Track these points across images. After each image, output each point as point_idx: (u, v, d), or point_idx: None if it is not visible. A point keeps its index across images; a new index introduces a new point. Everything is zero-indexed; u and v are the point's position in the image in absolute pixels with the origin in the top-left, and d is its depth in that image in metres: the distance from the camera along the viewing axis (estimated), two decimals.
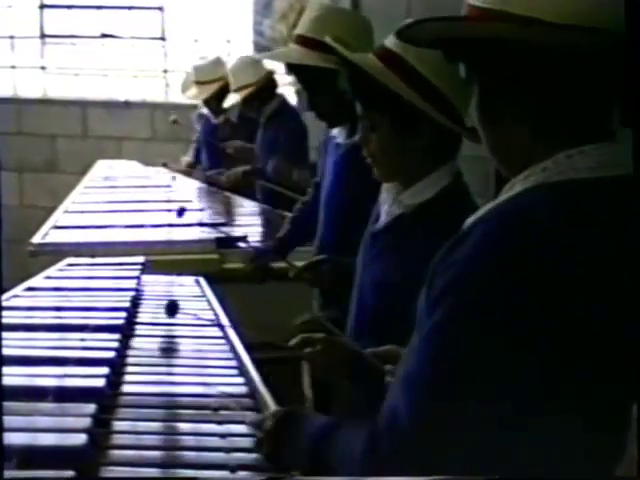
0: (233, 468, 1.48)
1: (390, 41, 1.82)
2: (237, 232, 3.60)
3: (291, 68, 2.72)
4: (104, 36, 7.06)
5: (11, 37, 7.17)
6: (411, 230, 1.77)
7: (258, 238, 3.62)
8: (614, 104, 1.21)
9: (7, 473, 1.39)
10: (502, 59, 1.19)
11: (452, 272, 1.16)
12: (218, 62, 5.04)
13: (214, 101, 4.94)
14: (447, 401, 1.13)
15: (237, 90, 4.52)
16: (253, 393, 1.86)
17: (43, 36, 7.18)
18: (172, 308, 2.26)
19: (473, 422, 1.13)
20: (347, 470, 1.26)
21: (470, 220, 1.24)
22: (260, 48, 6.12)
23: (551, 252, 1.12)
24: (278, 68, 4.39)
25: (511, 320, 1.11)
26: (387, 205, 1.89)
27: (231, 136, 4.82)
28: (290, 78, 3.91)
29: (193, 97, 5.08)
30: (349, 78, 1.88)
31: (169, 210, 3.94)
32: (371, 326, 1.86)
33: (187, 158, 5.44)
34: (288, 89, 4.70)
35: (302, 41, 2.59)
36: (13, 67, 7.23)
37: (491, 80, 1.22)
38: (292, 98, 5.05)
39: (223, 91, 4.85)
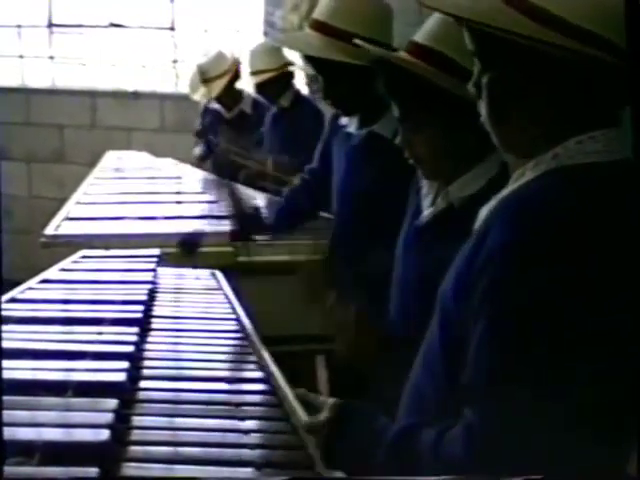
0: (259, 465, 1.46)
1: (420, 36, 1.78)
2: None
3: (307, 56, 2.66)
4: (113, 26, 7.03)
5: (19, 26, 7.14)
6: (460, 223, 1.73)
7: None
8: (621, 91, 1.23)
9: (28, 470, 1.38)
10: (523, 53, 1.21)
11: (490, 272, 1.16)
12: (221, 56, 5.02)
13: (225, 96, 4.92)
14: (524, 393, 1.14)
15: (254, 74, 4.49)
16: (272, 387, 1.84)
17: (51, 25, 7.14)
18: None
19: (554, 416, 1.13)
20: (437, 465, 1.23)
21: (485, 211, 1.27)
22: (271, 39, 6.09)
23: (576, 235, 1.14)
24: (295, 58, 4.37)
25: (554, 306, 1.13)
26: (430, 198, 1.86)
27: (245, 128, 4.80)
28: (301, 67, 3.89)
29: (204, 96, 5.04)
30: (386, 79, 1.81)
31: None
32: (422, 324, 1.83)
33: (199, 151, 5.39)
34: (298, 78, 4.70)
35: (321, 28, 2.49)
36: (21, 57, 7.20)
37: (506, 67, 1.23)
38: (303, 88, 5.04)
39: (232, 84, 4.85)
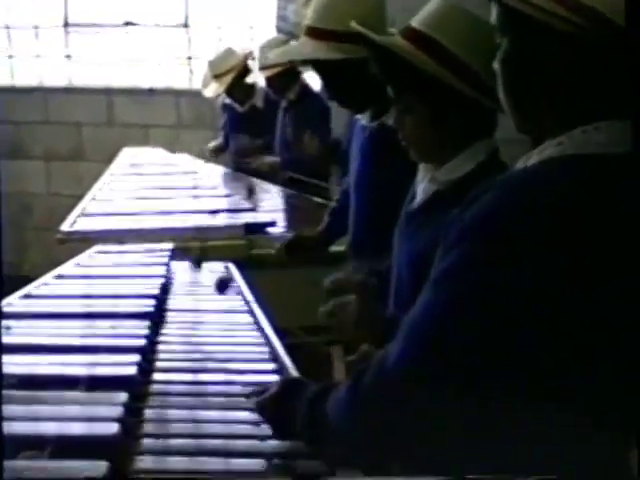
0: (269, 456, 1.46)
1: (416, 20, 1.80)
2: (264, 218, 3.58)
3: (306, 62, 2.68)
4: (128, 24, 7.05)
5: (36, 27, 7.18)
6: (446, 207, 1.74)
7: (285, 224, 3.60)
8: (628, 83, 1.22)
9: (39, 463, 1.38)
10: (541, 38, 1.21)
11: (462, 227, 1.19)
12: (230, 52, 5.09)
13: (236, 90, 4.96)
14: (437, 352, 1.15)
15: (263, 69, 4.54)
16: None
17: (67, 25, 7.18)
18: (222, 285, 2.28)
19: (463, 375, 1.14)
20: (333, 415, 1.27)
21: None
22: (284, 34, 6.09)
23: (561, 211, 1.14)
24: None
25: (516, 275, 1.13)
26: (423, 183, 1.88)
27: (258, 123, 4.82)
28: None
29: (214, 92, 5.10)
30: (378, 62, 1.85)
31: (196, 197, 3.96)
32: (410, 305, 1.83)
33: (214, 143, 5.43)
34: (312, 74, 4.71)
35: (311, 33, 2.50)
36: (38, 56, 7.24)
37: (521, 54, 1.24)
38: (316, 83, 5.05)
39: (242, 79, 4.92)
